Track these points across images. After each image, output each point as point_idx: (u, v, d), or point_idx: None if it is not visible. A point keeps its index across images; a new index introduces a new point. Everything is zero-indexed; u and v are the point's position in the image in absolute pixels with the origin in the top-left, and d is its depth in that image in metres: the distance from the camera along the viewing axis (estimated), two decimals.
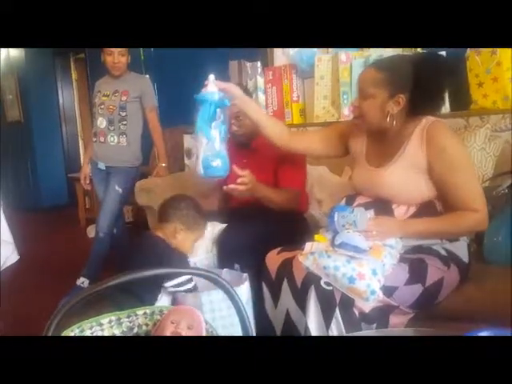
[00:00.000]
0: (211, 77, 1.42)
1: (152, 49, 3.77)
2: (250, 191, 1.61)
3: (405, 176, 1.34)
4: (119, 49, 2.50)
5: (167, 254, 1.56)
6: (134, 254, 1.62)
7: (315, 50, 2.66)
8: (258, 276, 1.50)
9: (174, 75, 3.70)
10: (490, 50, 1.91)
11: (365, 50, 2.52)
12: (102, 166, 2.63)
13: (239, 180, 1.55)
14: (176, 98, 3.59)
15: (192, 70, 3.55)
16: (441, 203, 1.35)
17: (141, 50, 3.71)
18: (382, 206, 1.37)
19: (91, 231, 4.01)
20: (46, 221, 5.05)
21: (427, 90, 1.30)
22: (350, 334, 1.17)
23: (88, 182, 2.77)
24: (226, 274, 1.63)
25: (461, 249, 1.36)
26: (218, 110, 1.38)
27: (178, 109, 3.32)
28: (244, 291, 1.47)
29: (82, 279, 2.53)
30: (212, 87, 1.40)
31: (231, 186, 1.57)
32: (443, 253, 1.32)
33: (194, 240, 1.69)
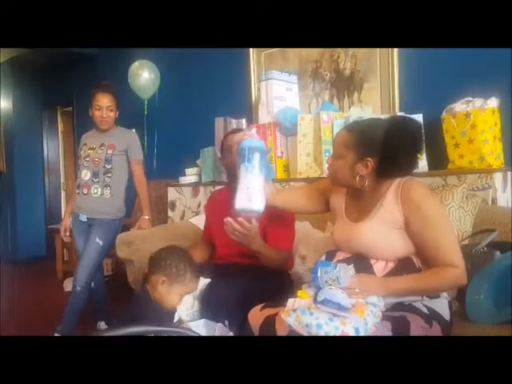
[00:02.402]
0: (254, 129, 1.69)
1: (157, 104, 3.86)
2: (247, 239, 1.62)
3: (382, 231, 1.35)
4: (108, 104, 2.56)
5: (147, 308, 1.52)
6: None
7: (298, 109, 2.77)
8: (241, 333, 1.47)
9: (174, 129, 3.83)
10: (464, 113, 2.01)
11: (345, 111, 2.63)
12: (83, 217, 2.60)
13: (239, 219, 1.57)
14: (173, 152, 3.75)
15: (187, 125, 3.71)
16: (419, 259, 1.36)
17: (145, 105, 3.79)
18: (360, 261, 1.37)
19: (68, 285, 3.89)
20: (23, 273, 4.89)
21: (395, 157, 1.32)
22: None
23: (68, 234, 2.73)
24: (219, 329, 1.58)
25: (441, 306, 1.35)
26: (259, 154, 1.55)
27: (175, 161, 3.47)
28: None
29: (56, 335, 2.43)
30: (256, 136, 1.62)
31: (230, 219, 1.58)
32: (425, 310, 1.32)
33: (178, 293, 1.62)
